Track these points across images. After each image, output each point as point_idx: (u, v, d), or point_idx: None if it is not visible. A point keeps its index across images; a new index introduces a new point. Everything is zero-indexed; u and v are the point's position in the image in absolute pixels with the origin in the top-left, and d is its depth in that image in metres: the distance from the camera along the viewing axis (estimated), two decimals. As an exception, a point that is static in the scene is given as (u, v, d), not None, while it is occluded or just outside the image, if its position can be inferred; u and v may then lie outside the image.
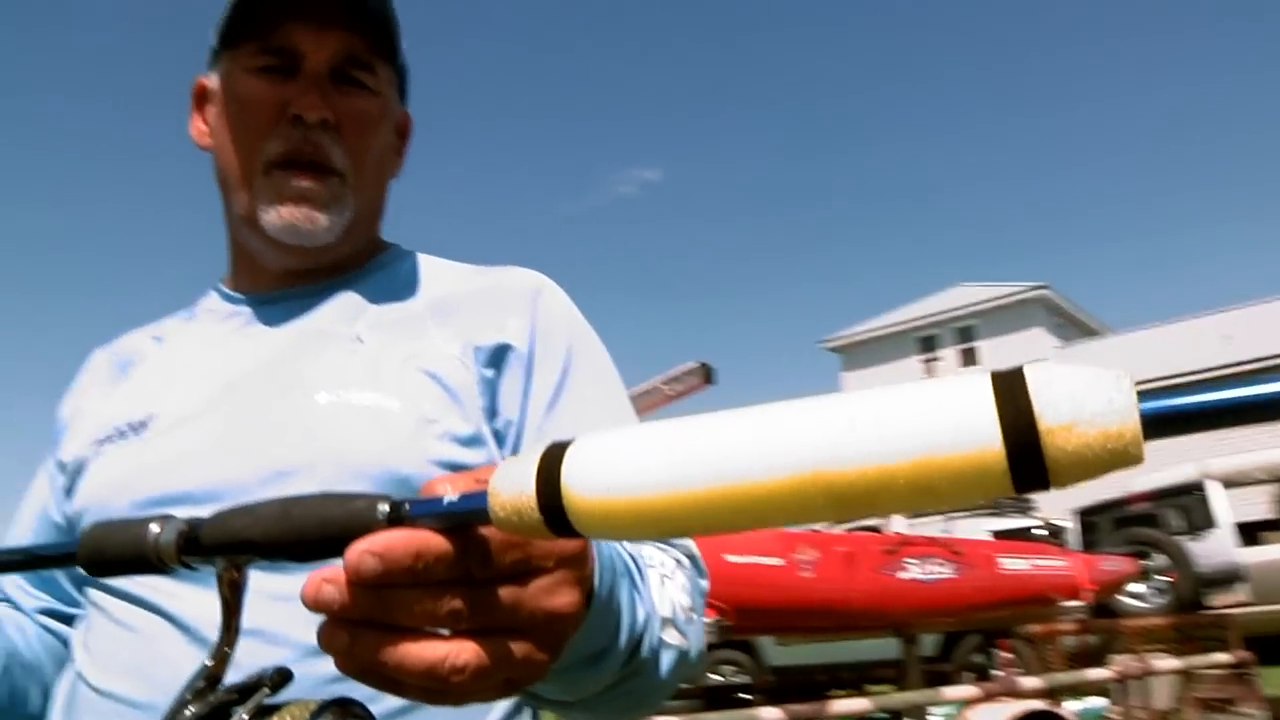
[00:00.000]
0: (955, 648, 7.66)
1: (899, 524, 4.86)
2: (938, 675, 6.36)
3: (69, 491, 0.88)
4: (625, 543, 0.68)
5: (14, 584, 0.92)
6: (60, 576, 0.90)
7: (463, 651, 0.42)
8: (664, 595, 0.69)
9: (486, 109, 62.60)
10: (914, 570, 3.96)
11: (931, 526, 7.77)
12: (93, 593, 0.82)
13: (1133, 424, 0.30)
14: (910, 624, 4.23)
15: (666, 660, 0.68)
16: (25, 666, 0.86)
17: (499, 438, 0.83)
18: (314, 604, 0.41)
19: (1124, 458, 0.30)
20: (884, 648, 6.75)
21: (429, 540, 0.40)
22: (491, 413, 0.82)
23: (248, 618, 0.48)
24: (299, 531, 0.43)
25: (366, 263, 0.96)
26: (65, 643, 0.86)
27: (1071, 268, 46.63)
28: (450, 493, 0.41)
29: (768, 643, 8.12)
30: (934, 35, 46.04)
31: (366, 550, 0.40)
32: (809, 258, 46.64)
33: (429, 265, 0.97)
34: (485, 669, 0.42)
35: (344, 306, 0.90)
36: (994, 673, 6.96)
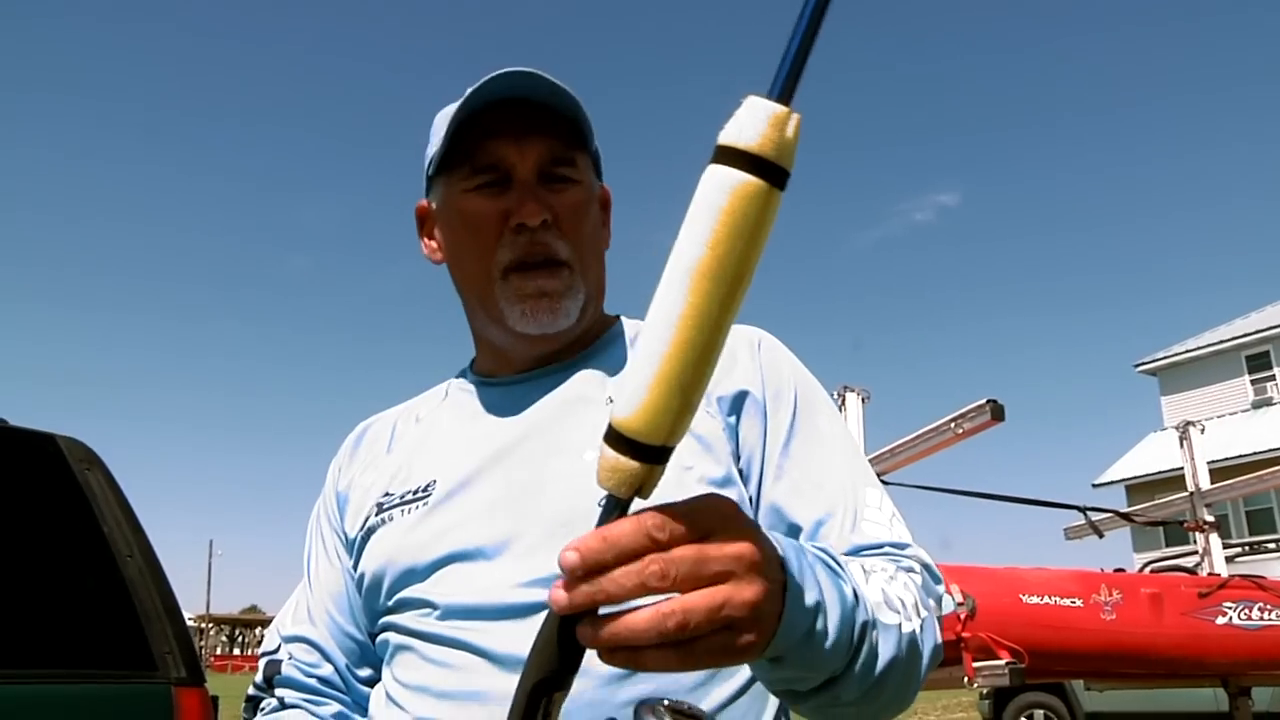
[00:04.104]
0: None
1: (1220, 564, 4.51)
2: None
3: (357, 555, 0.98)
4: (818, 542, 0.78)
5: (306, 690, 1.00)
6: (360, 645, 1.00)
7: (674, 602, 0.50)
8: (872, 583, 0.72)
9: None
10: (1233, 615, 3.68)
11: (1270, 565, 7.01)
12: (396, 637, 0.92)
13: None
14: (1231, 674, 3.93)
15: (889, 638, 0.70)
16: None
17: (743, 476, 0.90)
18: (555, 605, 0.51)
19: None
20: (1206, 698, 6.17)
21: (605, 527, 0.51)
22: (736, 455, 0.90)
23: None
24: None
25: (601, 335, 1.05)
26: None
27: None
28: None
29: (1080, 687, 7.62)
30: (1236, 39, 41.44)
31: (565, 549, 0.50)
32: (1118, 276, 43.10)
33: None
34: (700, 610, 0.50)
35: (592, 375, 0.99)
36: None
